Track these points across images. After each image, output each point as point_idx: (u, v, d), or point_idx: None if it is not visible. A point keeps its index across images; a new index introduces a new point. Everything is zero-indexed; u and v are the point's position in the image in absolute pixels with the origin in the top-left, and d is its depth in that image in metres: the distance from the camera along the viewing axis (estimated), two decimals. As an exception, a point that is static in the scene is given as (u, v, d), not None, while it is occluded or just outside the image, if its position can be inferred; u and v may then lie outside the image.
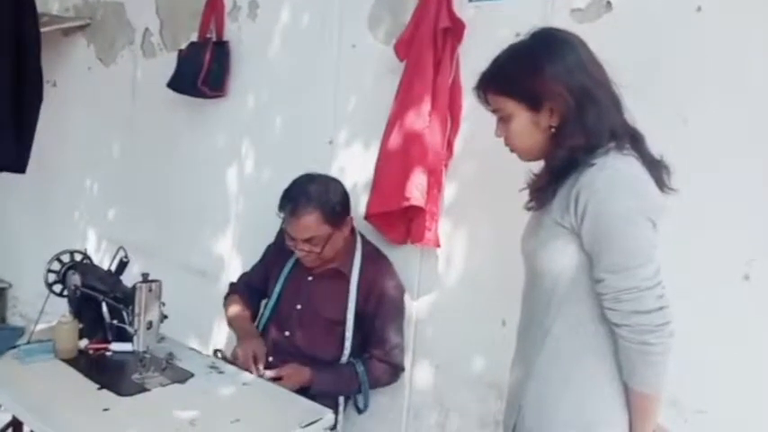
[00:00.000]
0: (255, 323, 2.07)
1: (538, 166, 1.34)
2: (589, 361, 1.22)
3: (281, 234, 2.09)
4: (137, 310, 1.65)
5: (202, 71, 2.46)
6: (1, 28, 1.86)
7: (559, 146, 1.21)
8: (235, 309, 2.06)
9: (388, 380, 1.97)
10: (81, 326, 1.80)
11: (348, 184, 2.02)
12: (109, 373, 1.67)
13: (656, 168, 1.23)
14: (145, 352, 1.67)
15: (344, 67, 2.21)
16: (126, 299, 1.71)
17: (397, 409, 2.09)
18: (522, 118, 1.25)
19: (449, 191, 1.94)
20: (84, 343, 1.79)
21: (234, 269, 2.56)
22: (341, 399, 1.93)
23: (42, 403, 1.49)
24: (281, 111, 2.43)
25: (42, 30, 2.60)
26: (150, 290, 1.66)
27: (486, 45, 1.75)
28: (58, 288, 1.93)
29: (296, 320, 1.98)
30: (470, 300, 1.93)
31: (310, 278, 1.99)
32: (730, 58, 1.47)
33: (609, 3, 1.63)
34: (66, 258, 1.93)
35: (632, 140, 1.23)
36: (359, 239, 2.01)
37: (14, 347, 1.75)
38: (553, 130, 1.23)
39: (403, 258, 2.04)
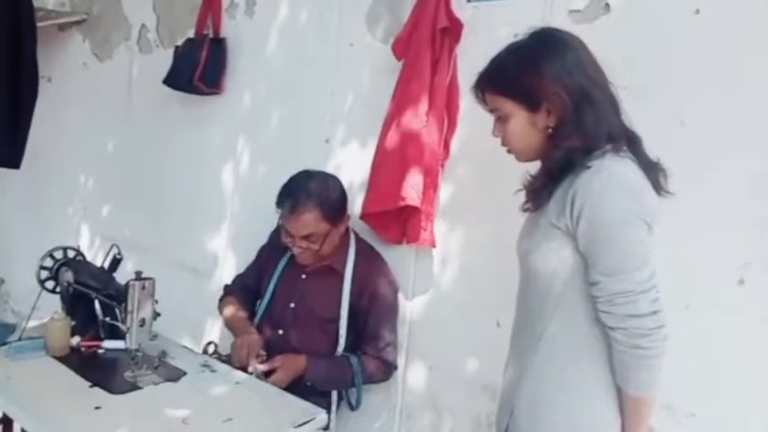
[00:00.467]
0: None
1: (534, 167, 1.34)
2: (583, 363, 1.22)
3: (275, 234, 2.09)
4: (129, 308, 1.64)
5: (199, 68, 2.45)
6: (-3, 22, 1.85)
7: (556, 147, 1.21)
8: (231, 309, 2.05)
9: (380, 377, 1.97)
10: (73, 323, 1.79)
11: (344, 183, 2.01)
12: (101, 371, 1.66)
13: (653, 171, 1.23)
14: (137, 350, 1.66)
15: (342, 65, 2.20)
16: (119, 296, 1.70)
17: (389, 408, 2.08)
18: (519, 118, 1.24)
19: (445, 191, 1.94)
20: (76, 340, 1.78)
21: (228, 267, 2.55)
22: (334, 397, 1.93)
23: (33, 401, 1.48)
24: (277, 108, 2.42)
25: (38, 25, 2.58)
26: (143, 287, 1.65)
27: (484, 45, 1.75)
28: (50, 285, 1.92)
29: (290, 319, 1.97)
30: (465, 300, 1.92)
31: (304, 276, 1.98)
32: (728, 60, 1.47)
33: (607, 4, 1.63)
34: (59, 255, 1.92)
35: (629, 143, 1.23)
36: (352, 237, 2.01)
37: (5, 344, 1.73)
38: (550, 130, 1.22)
39: (398, 258, 2.04)
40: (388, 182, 1.90)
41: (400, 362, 2.03)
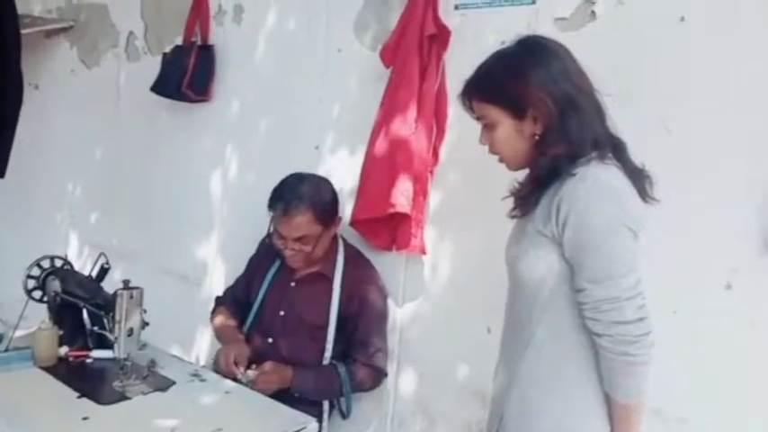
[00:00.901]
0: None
1: (523, 174, 1.35)
2: (571, 369, 1.22)
3: (263, 245, 2.08)
4: (117, 317, 1.62)
5: (187, 75, 2.45)
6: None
7: (542, 154, 1.22)
8: (220, 319, 2.05)
9: (371, 384, 1.96)
10: (61, 333, 1.77)
11: (334, 190, 2.02)
12: (89, 381, 1.64)
13: (639, 178, 1.24)
14: (126, 359, 1.65)
15: (330, 72, 2.20)
16: (107, 305, 1.68)
17: (381, 416, 2.08)
18: (506, 126, 1.25)
19: (434, 198, 1.94)
20: (64, 350, 1.76)
21: (217, 275, 2.54)
22: (325, 405, 1.92)
23: (20, 412, 1.46)
24: (266, 115, 2.42)
25: (24, 32, 2.56)
26: (131, 297, 1.64)
27: (471, 52, 1.77)
28: (37, 294, 1.90)
29: (279, 327, 1.97)
30: (455, 307, 1.93)
31: (293, 284, 1.98)
32: (713, 67, 1.49)
33: (593, 12, 1.64)
34: (46, 264, 1.90)
35: (615, 149, 1.24)
36: (340, 242, 2.01)
37: (-8, 355, 1.71)
38: (537, 137, 1.23)
39: (388, 265, 2.04)
40: (377, 189, 1.90)
41: (391, 369, 2.03)
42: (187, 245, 2.69)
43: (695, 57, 1.51)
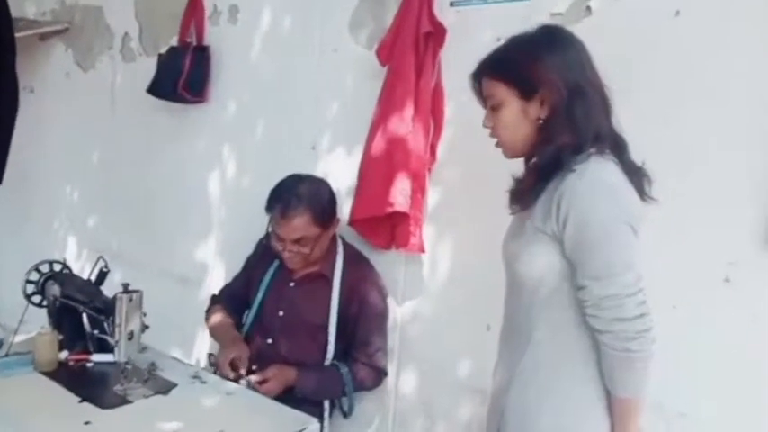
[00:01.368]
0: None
1: (520, 169, 1.34)
2: (571, 366, 1.22)
3: (261, 244, 2.08)
4: (117, 321, 1.62)
5: (182, 76, 2.44)
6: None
7: (546, 141, 1.21)
8: (217, 318, 2.04)
9: (371, 383, 1.97)
10: (61, 337, 1.77)
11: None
12: (90, 386, 1.64)
13: (638, 176, 1.23)
14: (126, 363, 1.64)
15: (326, 71, 2.20)
16: (106, 309, 1.68)
17: (382, 414, 2.08)
18: (512, 106, 1.24)
19: (432, 196, 1.94)
20: (64, 354, 1.76)
21: (216, 276, 2.54)
22: (326, 405, 1.92)
23: (21, 417, 1.46)
24: (262, 116, 2.41)
25: (18, 35, 2.54)
26: (131, 300, 1.63)
27: (467, 49, 1.76)
28: (37, 299, 1.90)
29: (279, 327, 1.97)
30: (455, 305, 1.93)
31: (292, 284, 1.98)
32: (709, 60, 1.49)
33: (589, 7, 1.64)
34: (45, 268, 1.90)
35: (616, 147, 1.24)
36: (339, 243, 2.01)
37: (-8, 360, 1.71)
38: (541, 122, 1.22)
39: (387, 264, 2.04)
40: (375, 188, 1.90)
41: (392, 367, 2.03)
42: (186, 247, 2.69)
43: (691, 51, 1.51)
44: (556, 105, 1.20)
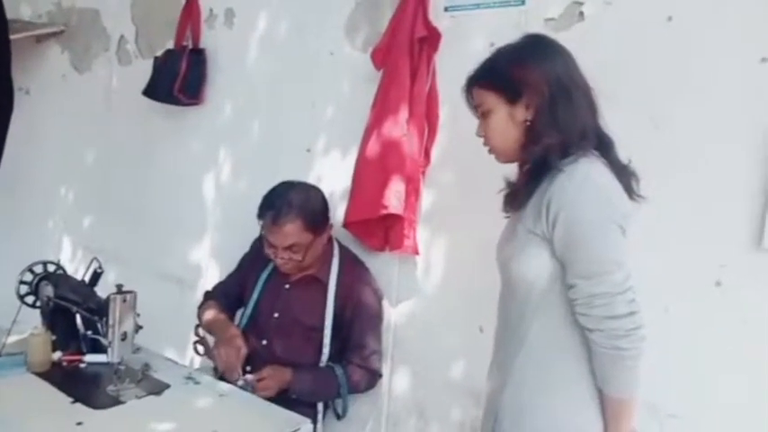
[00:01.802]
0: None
1: (513, 171, 1.36)
2: (564, 367, 1.23)
3: (256, 243, 2.08)
4: (111, 322, 1.62)
5: (178, 79, 2.45)
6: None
7: (533, 142, 1.23)
8: (212, 312, 2.02)
9: (366, 386, 1.97)
10: (54, 338, 1.77)
11: (326, 192, 2.02)
12: (83, 386, 1.64)
13: (625, 175, 1.25)
14: (120, 363, 1.64)
15: (322, 74, 2.21)
16: (100, 310, 1.68)
17: (376, 415, 2.08)
18: (500, 112, 1.27)
19: (426, 198, 1.95)
20: (57, 355, 1.75)
21: (211, 277, 2.54)
22: (320, 406, 1.92)
23: (14, 418, 1.45)
24: (258, 118, 2.42)
25: (14, 37, 2.55)
26: (124, 301, 1.64)
27: (461, 54, 1.79)
28: (30, 299, 1.89)
29: (274, 329, 1.97)
30: (448, 306, 1.94)
31: (287, 286, 1.98)
32: (700, 65, 1.50)
33: (581, 12, 1.66)
34: (38, 269, 1.90)
35: (603, 146, 1.26)
36: (336, 246, 2.01)
37: (-15, 361, 1.71)
38: (528, 123, 1.25)
39: (382, 265, 2.05)
40: (370, 190, 1.90)
41: (385, 369, 2.04)
42: (180, 248, 2.69)
43: (683, 56, 1.53)
44: (540, 107, 1.22)
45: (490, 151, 1.34)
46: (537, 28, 1.67)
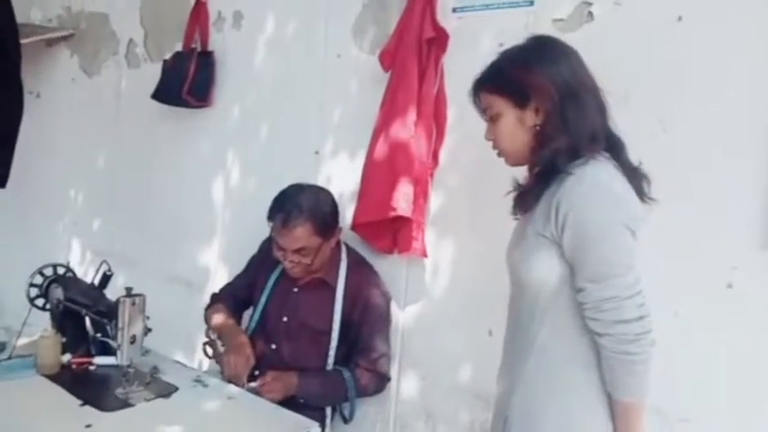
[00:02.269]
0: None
1: (521, 173, 1.35)
2: (574, 370, 1.22)
3: (265, 245, 2.08)
4: (120, 325, 1.63)
5: (187, 81, 2.46)
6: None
7: (542, 146, 1.23)
8: (221, 316, 2.02)
9: (374, 389, 1.96)
10: (64, 340, 1.77)
11: (334, 194, 2.02)
12: (92, 389, 1.64)
13: (636, 178, 1.24)
14: (129, 366, 1.65)
15: (330, 76, 2.21)
16: (109, 312, 1.68)
17: (383, 419, 2.08)
18: (509, 117, 1.26)
19: (435, 200, 1.95)
20: (67, 357, 1.76)
21: (219, 280, 2.54)
22: (328, 410, 1.92)
23: (23, 420, 1.46)
24: (266, 121, 2.42)
25: (25, 41, 2.57)
26: (134, 304, 1.64)
27: (470, 55, 1.79)
28: (40, 302, 1.90)
29: (282, 332, 1.97)
30: (457, 309, 1.93)
31: (296, 289, 1.98)
32: (710, 66, 1.49)
33: (590, 12, 1.65)
34: (48, 272, 1.91)
35: (614, 148, 1.25)
36: (344, 249, 2.01)
37: (-5, 363, 1.72)
38: (537, 128, 1.24)
39: (390, 268, 2.04)
40: (378, 192, 1.90)
41: (393, 372, 2.03)
42: (189, 250, 2.70)
43: (692, 56, 1.51)
44: (549, 110, 1.22)
45: (499, 154, 1.34)
46: (546, 29, 1.67)
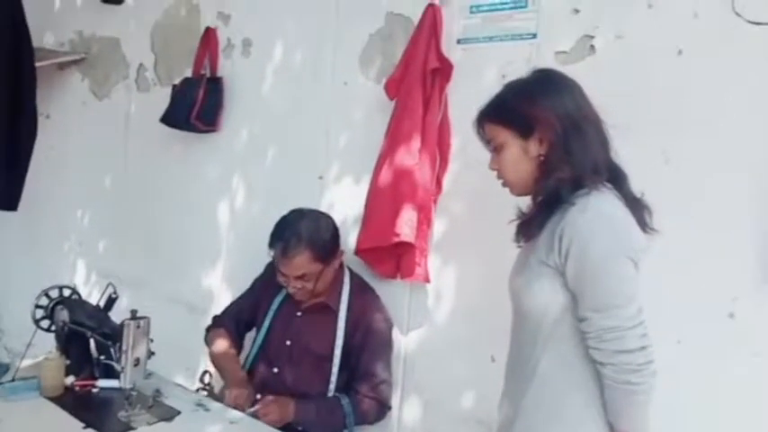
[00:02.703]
0: (243, 362, 2.05)
1: (525, 202, 1.37)
2: (576, 399, 1.23)
3: (270, 267, 2.09)
4: (124, 347, 1.63)
5: (196, 106, 2.49)
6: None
7: (546, 176, 1.25)
8: (221, 345, 2.03)
9: (374, 417, 1.95)
10: (68, 362, 1.78)
11: (338, 219, 2.04)
12: (95, 412, 1.65)
13: (638, 209, 1.26)
14: (131, 389, 1.65)
15: (336, 104, 2.24)
16: (114, 335, 1.69)
17: (386, 446, 2.07)
18: (513, 147, 1.29)
19: (438, 227, 1.96)
20: (70, 380, 1.77)
21: (223, 303, 2.54)
22: (328, 437, 1.91)
23: (26, 443, 1.47)
24: (272, 146, 2.45)
25: (38, 64, 2.62)
26: (138, 327, 1.65)
27: (473, 85, 1.82)
28: (45, 324, 1.91)
29: (285, 356, 1.97)
30: (460, 335, 1.93)
31: (299, 313, 1.99)
32: (711, 98, 1.52)
33: (592, 46, 1.68)
34: (54, 293, 1.92)
35: (616, 179, 1.27)
36: (347, 273, 2.02)
37: (-1, 385, 1.72)
38: (542, 158, 1.26)
39: (392, 293, 2.05)
40: (382, 218, 1.92)
41: (395, 398, 2.02)
42: (194, 273, 2.71)
43: (693, 88, 1.54)
44: (553, 141, 1.24)
45: (504, 184, 1.36)
46: (548, 61, 1.70)
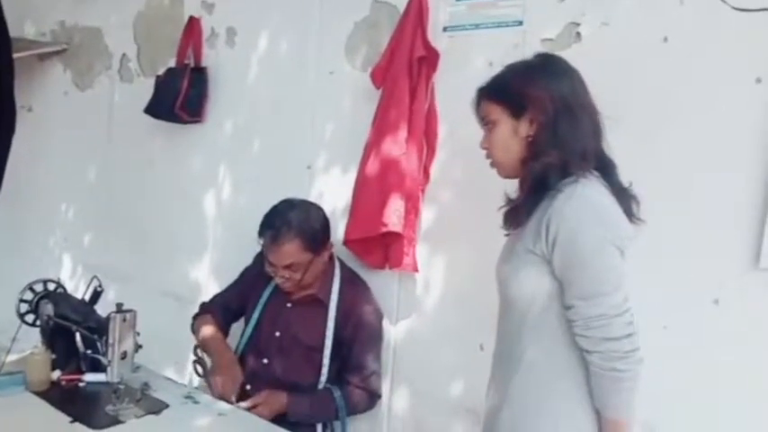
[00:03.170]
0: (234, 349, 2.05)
1: (513, 188, 1.36)
2: (562, 387, 1.23)
3: (259, 258, 2.08)
4: (110, 341, 1.62)
5: (180, 96, 2.47)
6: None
7: (533, 158, 1.24)
8: (208, 330, 2.01)
9: (364, 407, 1.96)
10: (54, 356, 1.76)
11: (327, 210, 2.03)
12: (82, 406, 1.63)
13: (625, 198, 1.26)
14: (119, 383, 1.64)
15: (322, 93, 2.23)
16: (100, 329, 1.68)
17: (376, 435, 2.08)
18: (504, 126, 1.28)
19: (426, 216, 1.96)
20: (56, 374, 1.75)
21: (210, 295, 2.53)
22: (319, 428, 1.91)
23: (12, 438, 1.46)
24: (259, 136, 2.44)
25: (18, 55, 2.57)
26: (124, 320, 1.63)
27: (460, 73, 1.81)
28: (30, 318, 1.89)
29: (275, 347, 1.96)
30: (448, 324, 1.94)
31: (289, 305, 1.98)
32: (696, 85, 1.52)
33: (578, 33, 1.68)
34: (39, 287, 1.90)
35: (605, 168, 1.26)
36: (337, 265, 2.01)
37: (-16, 381, 1.70)
38: (530, 138, 1.26)
39: (381, 283, 2.05)
40: (369, 208, 1.91)
41: (385, 387, 2.03)
42: (180, 265, 2.69)
43: (678, 76, 1.54)
44: (543, 123, 1.24)
45: (492, 164, 1.35)
46: (534, 48, 1.68)
